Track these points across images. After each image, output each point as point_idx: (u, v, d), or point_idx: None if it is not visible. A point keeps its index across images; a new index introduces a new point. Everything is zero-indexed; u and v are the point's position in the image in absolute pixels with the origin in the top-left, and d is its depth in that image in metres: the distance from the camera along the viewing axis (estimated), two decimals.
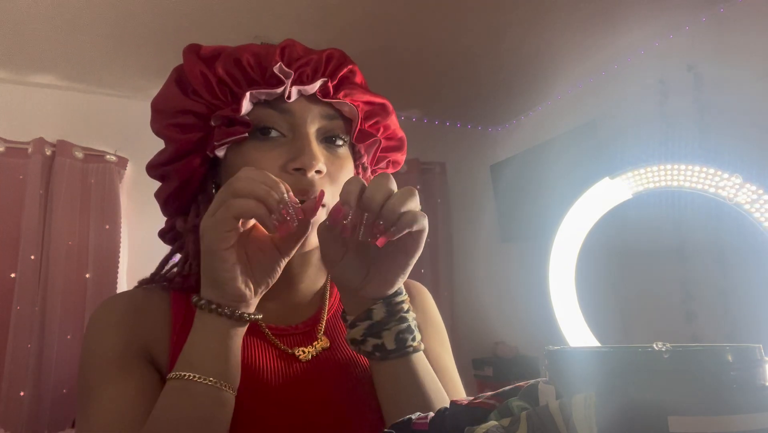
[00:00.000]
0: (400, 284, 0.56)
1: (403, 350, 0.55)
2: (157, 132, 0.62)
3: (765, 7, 2.10)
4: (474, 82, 2.91)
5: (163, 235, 0.68)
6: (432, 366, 0.64)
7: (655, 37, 2.46)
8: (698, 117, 2.25)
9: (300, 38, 0.65)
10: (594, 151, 2.69)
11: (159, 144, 0.64)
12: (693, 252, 2.26)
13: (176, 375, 0.50)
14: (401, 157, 0.72)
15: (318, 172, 0.57)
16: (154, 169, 0.64)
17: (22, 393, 2.31)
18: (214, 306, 0.51)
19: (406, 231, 0.49)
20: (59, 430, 2.34)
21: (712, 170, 1.26)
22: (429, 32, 2.39)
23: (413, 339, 0.55)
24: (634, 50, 2.57)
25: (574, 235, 1.53)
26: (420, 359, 0.56)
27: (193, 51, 0.61)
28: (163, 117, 0.61)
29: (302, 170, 0.57)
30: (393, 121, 0.68)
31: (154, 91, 0.63)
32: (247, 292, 0.52)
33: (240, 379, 0.55)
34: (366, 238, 0.49)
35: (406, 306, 0.56)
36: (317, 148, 0.58)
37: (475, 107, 3.25)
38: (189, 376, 0.49)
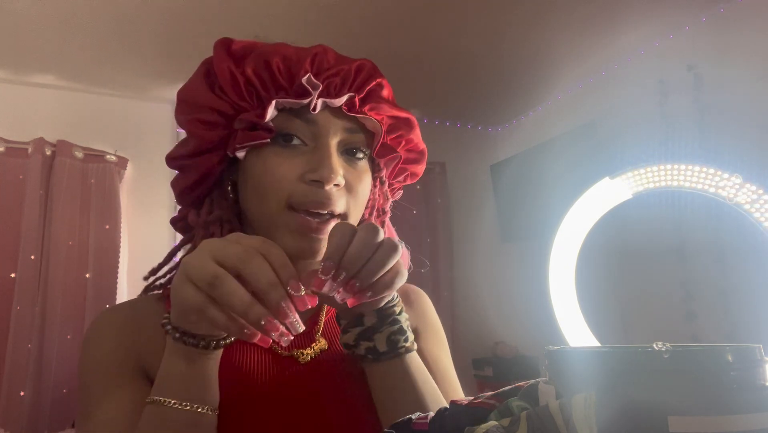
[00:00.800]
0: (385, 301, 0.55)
1: (395, 351, 0.55)
2: (181, 124, 0.62)
3: (765, 7, 2.10)
4: (474, 82, 2.91)
5: (175, 223, 0.68)
6: (431, 369, 0.63)
7: (655, 37, 2.46)
8: (698, 117, 2.25)
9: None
10: (594, 151, 2.69)
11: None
12: (693, 252, 2.26)
13: (152, 400, 0.49)
14: (420, 168, 0.71)
15: (336, 185, 0.57)
16: (173, 160, 0.63)
17: (22, 393, 2.31)
18: (178, 335, 0.49)
19: (379, 297, 0.50)
20: (59, 430, 2.34)
21: (712, 170, 1.26)
22: (429, 32, 2.39)
23: (405, 340, 0.55)
24: (634, 50, 2.57)
25: (574, 235, 1.53)
26: (413, 359, 0.56)
27: (223, 46, 0.60)
28: (188, 109, 0.61)
29: (320, 183, 0.56)
30: (416, 135, 0.67)
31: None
32: (218, 332, 0.50)
33: (237, 383, 0.55)
34: (340, 298, 0.48)
35: (398, 309, 0.56)
36: (337, 161, 0.58)
37: (475, 107, 3.25)
38: (164, 401, 0.49)
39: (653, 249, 2.35)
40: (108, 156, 2.65)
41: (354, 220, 0.61)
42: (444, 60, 2.65)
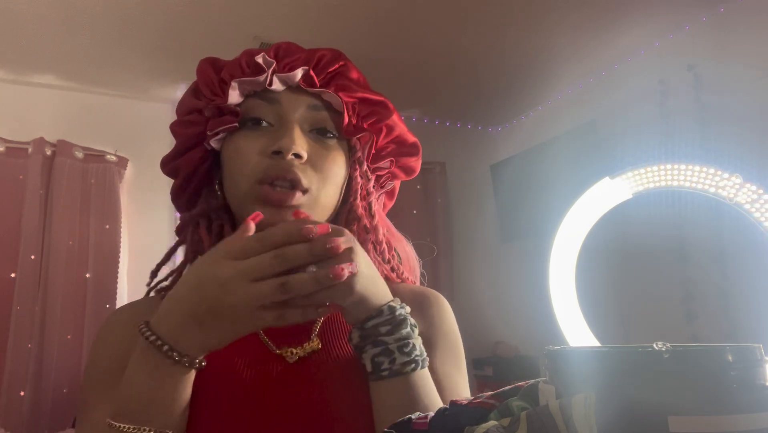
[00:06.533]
0: (367, 311, 0.53)
1: (377, 374, 0.54)
2: (172, 133, 0.67)
3: (765, 7, 2.10)
4: (474, 82, 2.91)
5: (179, 231, 0.70)
6: (438, 385, 0.60)
7: (655, 37, 2.46)
8: (698, 117, 2.25)
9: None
10: (594, 151, 2.69)
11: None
12: (693, 252, 2.26)
13: (110, 424, 0.47)
14: (416, 163, 0.71)
15: (297, 156, 0.58)
16: (164, 165, 0.67)
17: (22, 393, 2.31)
18: (167, 348, 0.46)
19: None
20: (59, 430, 2.34)
21: (712, 170, 1.26)
22: (429, 32, 2.39)
23: (392, 362, 0.53)
24: (634, 50, 2.57)
25: (574, 235, 1.53)
26: (407, 382, 0.54)
27: (208, 60, 0.66)
28: (177, 119, 0.67)
29: (280, 153, 0.58)
30: (396, 122, 0.67)
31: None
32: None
33: (220, 378, 0.55)
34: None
35: (384, 328, 0.53)
36: (300, 135, 0.59)
37: (475, 107, 3.25)
38: (126, 428, 0.47)
39: (653, 249, 2.35)
40: (108, 156, 2.65)
41: (323, 198, 0.61)
42: (444, 60, 2.65)
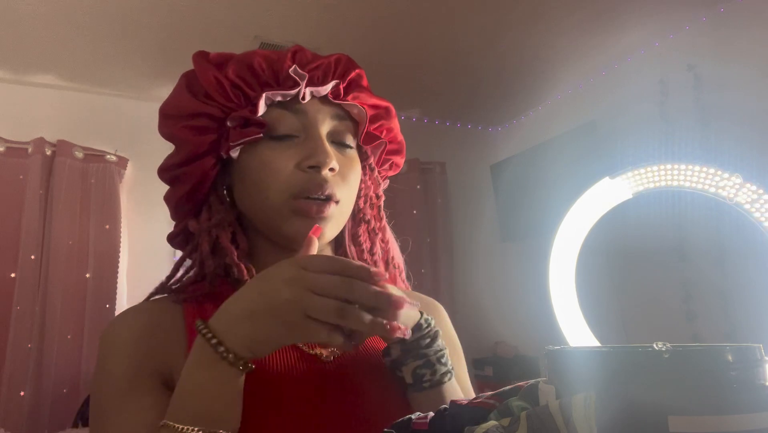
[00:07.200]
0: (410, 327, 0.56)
1: (419, 385, 0.56)
2: (169, 136, 0.62)
3: (765, 7, 2.10)
4: (474, 82, 2.91)
5: (173, 239, 0.67)
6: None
7: (655, 37, 2.46)
8: (698, 117, 2.25)
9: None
10: (594, 151, 2.69)
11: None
12: (693, 252, 2.26)
13: (165, 424, 0.47)
14: (401, 160, 0.74)
15: (331, 170, 0.59)
16: (166, 172, 0.63)
17: (22, 393, 2.31)
18: (222, 349, 0.46)
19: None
20: (59, 430, 2.34)
21: (712, 170, 1.26)
22: (429, 32, 2.39)
23: (433, 373, 0.56)
24: (634, 50, 2.57)
25: (574, 235, 1.52)
26: (446, 388, 0.57)
27: (202, 57, 0.63)
28: (174, 121, 0.62)
29: (317, 168, 0.59)
30: (396, 125, 0.70)
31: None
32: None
33: (266, 383, 0.55)
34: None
35: (425, 342, 0.56)
36: (329, 147, 0.60)
37: (475, 107, 3.25)
38: (180, 429, 0.46)
39: (653, 249, 2.35)
40: (108, 156, 2.65)
41: (348, 207, 0.63)
42: (444, 60, 2.65)
